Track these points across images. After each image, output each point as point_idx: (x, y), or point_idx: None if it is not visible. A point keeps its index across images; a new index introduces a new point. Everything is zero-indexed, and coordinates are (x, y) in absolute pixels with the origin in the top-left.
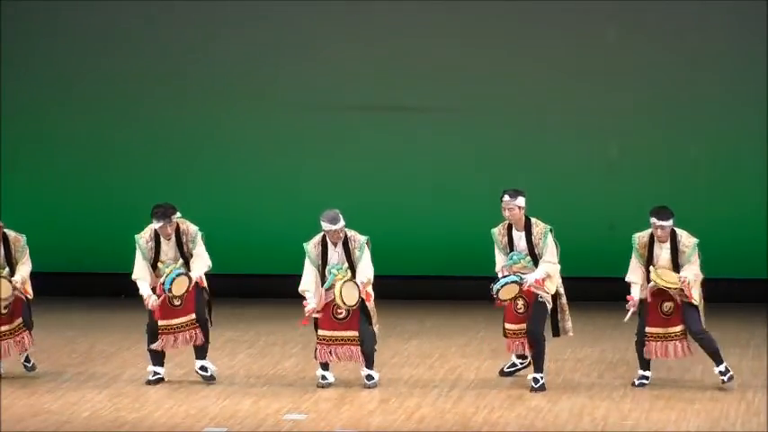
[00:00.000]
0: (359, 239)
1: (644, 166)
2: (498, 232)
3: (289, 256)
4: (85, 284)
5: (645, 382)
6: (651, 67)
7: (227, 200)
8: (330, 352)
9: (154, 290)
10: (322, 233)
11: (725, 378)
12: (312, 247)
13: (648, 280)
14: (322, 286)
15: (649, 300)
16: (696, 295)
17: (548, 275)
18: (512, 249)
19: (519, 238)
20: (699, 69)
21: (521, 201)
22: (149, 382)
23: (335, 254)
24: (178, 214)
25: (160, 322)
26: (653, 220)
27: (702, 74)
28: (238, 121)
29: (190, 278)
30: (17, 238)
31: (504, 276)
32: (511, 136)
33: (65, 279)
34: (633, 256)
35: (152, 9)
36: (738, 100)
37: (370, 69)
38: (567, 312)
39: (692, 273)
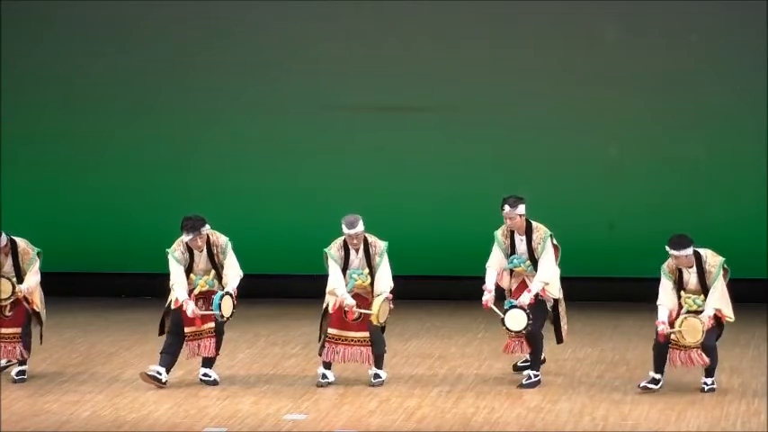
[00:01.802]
0: (380, 245)
1: (644, 166)
2: (501, 233)
3: (289, 257)
4: (85, 284)
5: (653, 387)
6: (651, 66)
7: (227, 200)
8: (337, 352)
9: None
10: (343, 237)
11: (705, 387)
12: (335, 250)
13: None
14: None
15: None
16: (730, 312)
17: (545, 284)
18: (513, 252)
19: (520, 241)
20: (699, 69)
21: (521, 209)
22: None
23: (357, 259)
24: (207, 226)
25: (187, 329)
26: (668, 250)
27: (702, 74)
28: (239, 121)
29: (230, 295)
30: (26, 251)
31: (530, 319)
32: (510, 136)
33: (65, 279)
34: (663, 278)
35: (153, 9)
36: (738, 100)
37: (371, 69)
38: (567, 315)
39: (712, 307)
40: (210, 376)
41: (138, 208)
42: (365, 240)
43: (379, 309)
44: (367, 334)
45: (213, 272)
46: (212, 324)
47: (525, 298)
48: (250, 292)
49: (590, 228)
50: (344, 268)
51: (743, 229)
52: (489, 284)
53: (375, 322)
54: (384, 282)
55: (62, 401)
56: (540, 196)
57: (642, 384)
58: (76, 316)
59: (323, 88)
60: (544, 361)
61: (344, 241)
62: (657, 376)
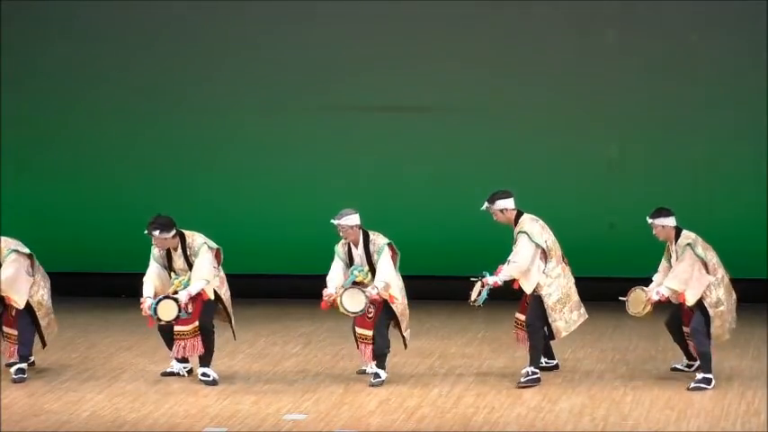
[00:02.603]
0: (378, 243)
1: (644, 166)
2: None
3: (289, 257)
4: (85, 284)
5: (684, 369)
6: (651, 67)
7: (226, 200)
8: (363, 351)
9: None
10: None
11: (693, 384)
12: (340, 245)
13: None
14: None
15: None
16: (691, 296)
17: (512, 277)
18: None
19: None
20: (699, 69)
21: (500, 204)
22: (164, 374)
23: (358, 256)
24: (156, 232)
25: (175, 328)
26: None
27: (702, 74)
28: (238, 121)
29: (173, 299)
30: (1, 250)
31: (479, 296)
32: (511, 136)
33: (65, 279)
34: (663, 256)
35: (152, 9)
36: (738, 100)
37: (371, 69)
38: (559, 313)
39: (664, 285)
40: (209, 376)
41: (138, 208)
42: (366, 237)
43: (342, 295)
44: (371, 332)
45: (189, 272)
46: (197, 323)
47: (491, 279)
48: (250, 292)
49: (590, 228)
50: (350, 264)
51: (743, 229)
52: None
53: (340, 308)
54: (378, 277)
55: (62, 401)
56: (540, 196)
57: (676, 365)
58: (76, 316)
59: (323, 88)
60: (557, 366)
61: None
62: (694, 363)
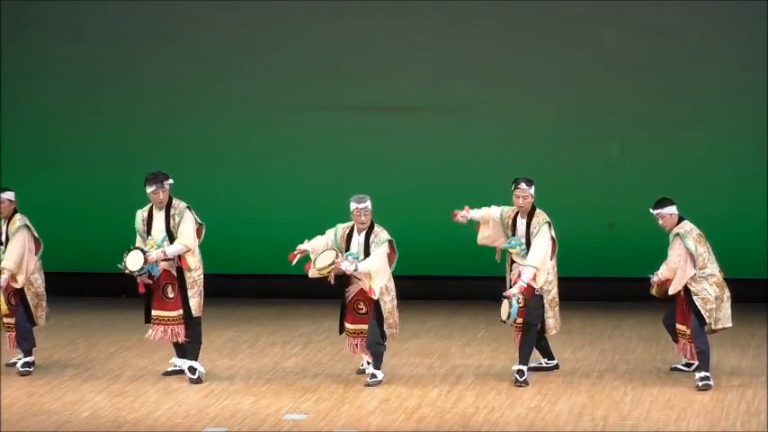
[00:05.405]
0: (381, 236)
1: (644, 166)
2: (506, 212)
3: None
4: (85, 284)
5: (684, 369)
6: (651, 67)
7: (226, 200)
8: (356, 345)
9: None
10: (352, 223)
11: (700, 384)
12: (342, 228)
13: None
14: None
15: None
16: (674, 287)
17: (535, 269)
18: (514, 233)
19: (521, 224)
20: (699, 69)
21: (533, 190)
22: (166, 373)
23: (356, 243)
24: (170, 181)
25: (153, 312)
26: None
27: (702, 74)
28: (237, 120)
29: (142, 251)
30: (14, 221)
31: (511, 308)
32: (511, 136)
33: (65, 279)
34: None
35: (146, 7)
36: (738, 99)
37: (370, 69)
38: (552, 310)
39: (660, 272)
40: (195, 372)
41: (137, 208)
42: (371, 227)
43: (319, 255)
44: (366, 327)
45: (165, 234)
46: (181, 311)
47: (514, 290)
48: (250, 292)
49: (590, 228)
50: (346, 249)
51: (743, 228)
52: (473, 212)
53: (312, 269)
54: (366, 262)
55: (62, 401)
56: (540, 196)
57: (674, 365)
58: (76, 316)
59: (323, 88)
60: (557, 366)
61: (353, 226)
62: (693, 362)
